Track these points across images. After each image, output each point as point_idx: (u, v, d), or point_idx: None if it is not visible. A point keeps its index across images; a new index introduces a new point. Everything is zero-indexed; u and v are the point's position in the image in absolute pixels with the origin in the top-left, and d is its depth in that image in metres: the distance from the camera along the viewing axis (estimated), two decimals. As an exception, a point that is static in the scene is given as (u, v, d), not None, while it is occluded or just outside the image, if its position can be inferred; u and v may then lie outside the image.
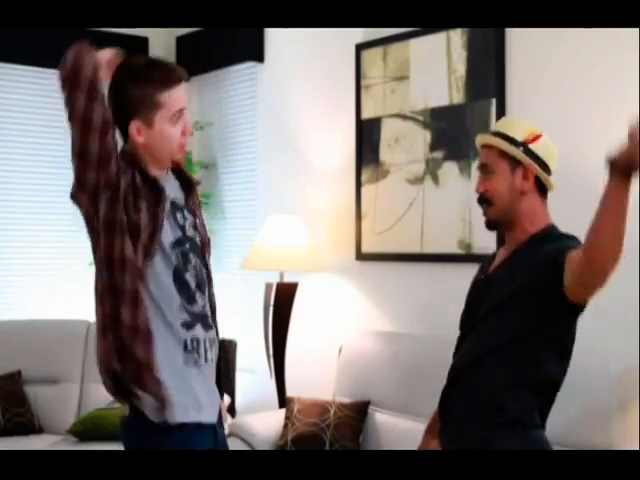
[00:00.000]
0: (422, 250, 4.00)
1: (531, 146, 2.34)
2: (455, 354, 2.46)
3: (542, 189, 2.40)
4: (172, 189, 2.29)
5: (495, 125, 2.47)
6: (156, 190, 2.21)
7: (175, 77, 2.20)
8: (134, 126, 2.18)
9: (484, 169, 2.36)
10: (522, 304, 2.28)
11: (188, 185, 2.35)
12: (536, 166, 2.34)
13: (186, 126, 2.23)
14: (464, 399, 2.36)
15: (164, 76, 2.20)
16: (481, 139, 2.41)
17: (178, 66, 2.26)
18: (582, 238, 2.35)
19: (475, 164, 3.79)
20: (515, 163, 2.33)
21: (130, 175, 2.16)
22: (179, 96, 2.20)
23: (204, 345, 2.24)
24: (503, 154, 2.33)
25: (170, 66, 2.25)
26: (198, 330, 2.23)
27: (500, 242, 3.58)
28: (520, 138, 2.33)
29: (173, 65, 2.27)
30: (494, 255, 2.52)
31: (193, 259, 2.26)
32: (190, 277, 2.24)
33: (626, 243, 3.26)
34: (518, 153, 2.33)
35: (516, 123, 2.40)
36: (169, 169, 2.31)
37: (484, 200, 2.36)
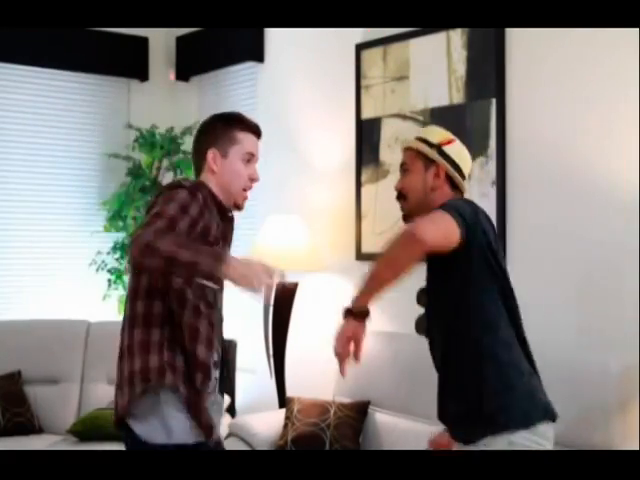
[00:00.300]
0: (422, 250, 3.99)
1: (444, 148, 2.52)
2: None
3: (455, 187, 2.56)
4: None
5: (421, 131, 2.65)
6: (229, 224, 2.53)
7: (253, 126, 2.54)
8: (211, 153, 2.47)
9: (402, 168, 2.55)
10: (439, 285, 2.44)
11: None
12: (447, 165, 2.50)
13: (254, 173, 2.52)
14: (449, 398, 2.47)
15: (244, 122, 2.53)
16: (403, 143, 2.61)
17: (257, 124, 2.57)
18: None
19: (474, 164, 3.80)
20: (429, 162, 2.51)
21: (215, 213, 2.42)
22: (254, 142, 2.53)
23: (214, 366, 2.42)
24: (419, 154, 2.52)
25: (251, 120, 2.56)
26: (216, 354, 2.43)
27: (500, 242, 3.58)
28: (435, 141, 2.53)
29: (254, 122, 2.57)
30: None
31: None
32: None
33: (626, 243, 3.27)
34: (431, 152, 2.51)
35: (434, 130, 2.61)
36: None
37: (401, 196, 2.55)
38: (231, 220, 2.53)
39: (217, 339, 2.42)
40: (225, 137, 2.48)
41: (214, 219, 2.39)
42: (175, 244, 2.14)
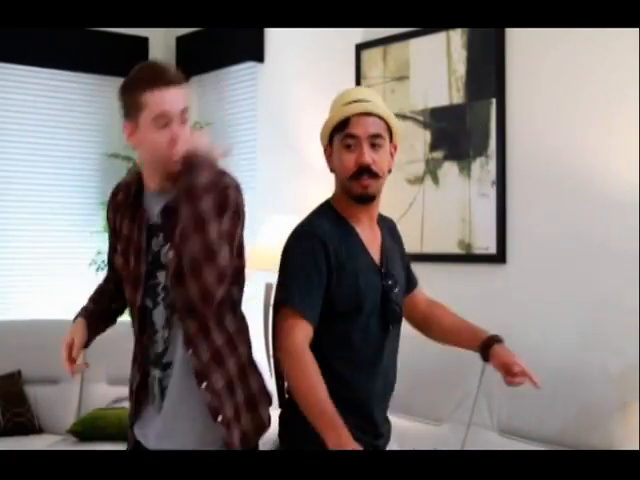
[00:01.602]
0: (422, 250, 3.99)
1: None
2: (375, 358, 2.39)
3: None
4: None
5: (358, 93, 2.28)
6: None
7: (161, 78, 2.07)
8: (126, 128, 2.13)
9: (374, 140, 2.19)
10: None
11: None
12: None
13: (175, 134, 2.08)
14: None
15: (149, 77, 2.08)
16: (371, 107, 2.20)
17: (173, 69, 2.13)
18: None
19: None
20: (390, 139, 2.25)
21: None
22: (163, 99, 2.06)
23: None
24: (387, 128, 2.23)
25: (160, 67, 2.13)
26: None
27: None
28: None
29: (166, 67, 2.13)
30: (341, 229, 2.27)
31: None
32: None
33: (626, 243, 3.27)
34: (400, 128, 2.26)
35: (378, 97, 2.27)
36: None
37: (370, 171, 2.19)
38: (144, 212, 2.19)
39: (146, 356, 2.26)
40: (132, 104, 2.07)
41: (124, 218, 2.19)
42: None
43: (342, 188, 2.27)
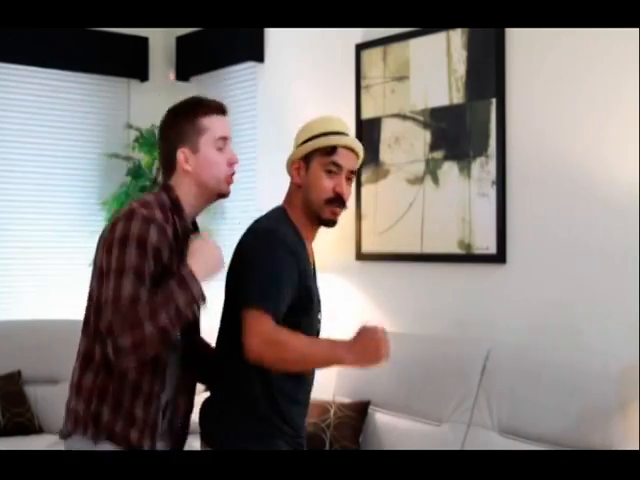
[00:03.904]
0: (422, 250, 4.00)
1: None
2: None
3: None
4: None
5: (342, 126, 2.41)
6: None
7: (216, 106, 2.29)
8: (181, 153, 2.24)
9: (350, 175, 2.37)
10: None
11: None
12: None
13: (232, 156, 2.29)
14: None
15: (205, 104, 2.29)
16: (358, 145, 2.38)
17: (219, 101, 2.34)
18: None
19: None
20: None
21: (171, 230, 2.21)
22: (223, 123, 2.28)
23: None
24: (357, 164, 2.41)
25: (211, 99, 2.33)
26: None
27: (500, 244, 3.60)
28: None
29: (214, 99, 2.33)
30: (300, 243, 2.41)
31: None
32: None
33: (626, 243, 3.27)
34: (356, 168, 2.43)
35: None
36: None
37: (342, 202, 2.35)
38: (194, 229, 2.33)
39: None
40: (190, 129, 2.24)
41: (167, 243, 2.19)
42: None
43: (307, 206, 2.38)
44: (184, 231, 2.25)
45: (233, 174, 2.31)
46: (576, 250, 3.42)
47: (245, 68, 5.07)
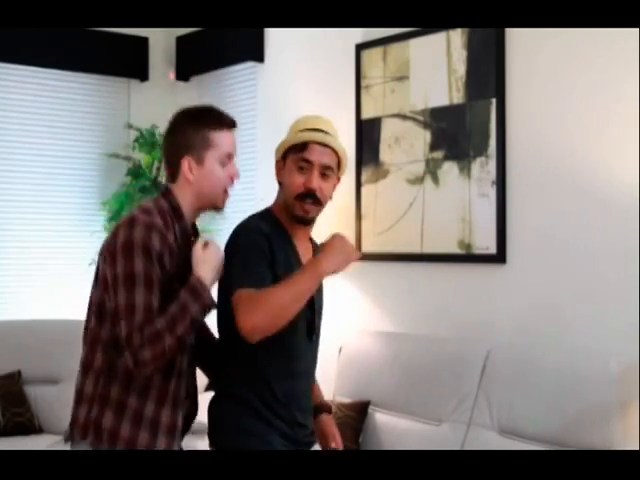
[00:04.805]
0: (422, 250, 4.00)
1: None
2: (299, 356, 2.45)
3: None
4: None
5: (321, 123, 2.42)
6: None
7: (228, 121, 2.32)
8: (186, 162, 2.26)
9: (325, 170, 2.36)
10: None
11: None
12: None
13: (235, 172, 2.32)
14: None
15: (217, 118, 2.31)
16: (330, 140, 2.38)
17: (228, 114, 2.35)
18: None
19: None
20: (336, 172, 2.42)
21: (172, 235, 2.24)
22: (231, 140, 2.32)
23: None
24: (338, 162, 2.40)
25: (223, 112, 2.35)
26: None
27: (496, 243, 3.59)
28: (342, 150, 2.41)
29: (225, 112, 2.36)
30: (281, 236, 2.41)
31: None
32: None
33: (626, 243, 3.27)
34: (344, 164, 2.42)
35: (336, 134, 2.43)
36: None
37: (313, 197, 2.36)
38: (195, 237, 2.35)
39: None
40: (198, 141, 2.26)
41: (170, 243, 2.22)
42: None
43: (285, 204, 2.41)
44: (184, 235, 2.28)
45: (231, 188, 2.35)
46: (576, 250, 3.42)
47: (245, 68, 5.07)
